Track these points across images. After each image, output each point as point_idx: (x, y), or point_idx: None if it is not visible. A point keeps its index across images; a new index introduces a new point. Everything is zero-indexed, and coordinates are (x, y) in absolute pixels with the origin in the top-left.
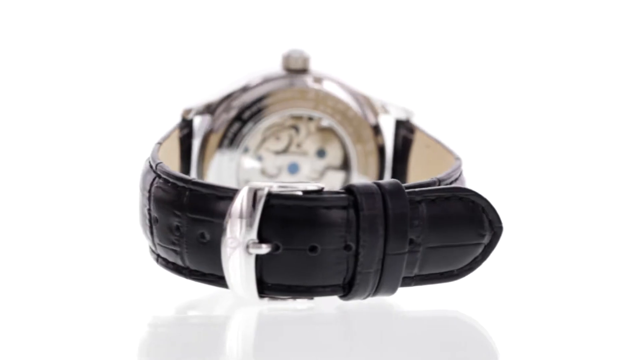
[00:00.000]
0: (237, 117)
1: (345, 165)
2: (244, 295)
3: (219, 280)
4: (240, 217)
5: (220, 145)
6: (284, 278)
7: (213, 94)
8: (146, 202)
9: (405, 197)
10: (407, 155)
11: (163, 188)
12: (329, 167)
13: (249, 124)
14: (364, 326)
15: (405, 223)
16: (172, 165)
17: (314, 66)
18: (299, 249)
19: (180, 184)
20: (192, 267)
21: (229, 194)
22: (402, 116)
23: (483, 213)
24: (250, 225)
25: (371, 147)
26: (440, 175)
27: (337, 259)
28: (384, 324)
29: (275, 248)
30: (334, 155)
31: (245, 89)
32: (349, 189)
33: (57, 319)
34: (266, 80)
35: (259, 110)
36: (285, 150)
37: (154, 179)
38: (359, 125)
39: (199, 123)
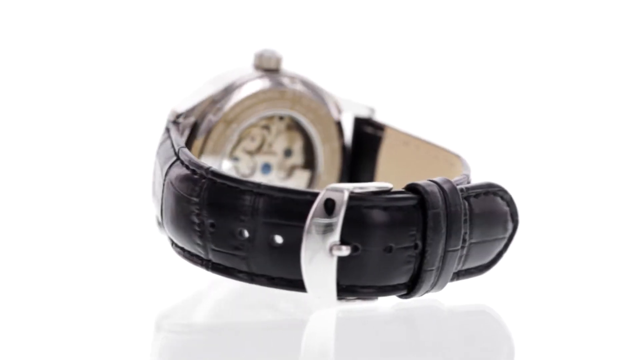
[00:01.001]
0: (223, 120)
1: (310, 164)
2: (323, 298)
3: (289, 283)
4: (324, 219)
5: (203, 150)
6: (359, 279)
7: (196, 96)
8: (193, 208)
9: (459, 195)
10: (376, 153)
11: (223, 193)
12: (295, 167)
13: (233, 126)
14: (423, 323)
15: (460, 220)
16: None
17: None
18: (376, 249)
19: (245, 188)
20: (258, 271)
21: (307, 197)
22: (364, 113)
23: (507, 207)
24: (333, 227)
25: (336, 145)
26: (466, 171)
27: (407, 258)
28: (435, 321)
29: (355, 249)
30: (299, 154)
31: (227, 90)
32: (414, 188)
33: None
34: (248, 80)
35: (242, 112)
36: (258, 150)
37: (204, 184)
38: (328, 124)
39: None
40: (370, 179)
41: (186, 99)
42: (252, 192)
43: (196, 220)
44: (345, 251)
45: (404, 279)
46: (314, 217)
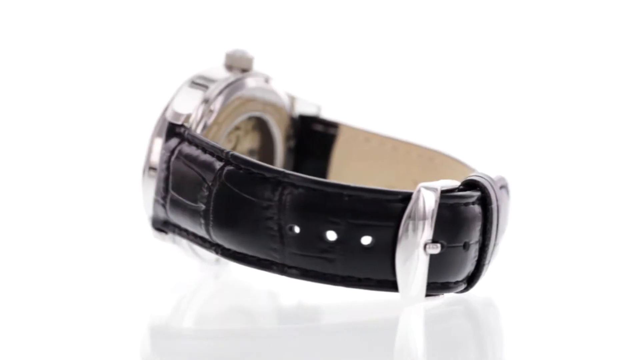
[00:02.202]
0: (215, 122)
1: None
2: (415, 296)
3: (377, 284)
4: (422, 218)
5: None
6: (439, 276)
7: (191, 98)
8: (269, 212)
9: (499, 189)
10: (329, 151)
11: (308, 196)
12: None
13: (223, 128)
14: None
15: (503, 214)
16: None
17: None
18: (458, 246)
19: (332, 190)
20: (344, 273)
21: (398, 197)
22: (311, 111)
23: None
24: (428, 226)
25: (292, 144)
26: (472, 166)
27: (475, 254)
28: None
29: (442, 247)
30: (259, 154)
31: (220, 92)
32: (474, 184)
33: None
34: (235, 81)
35: (230, 113)
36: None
37: (282, 188)
38: (288, 123)
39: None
40: (323, 177)
41: (183, 101)
42: (341, 194)
43: (272, 225)
44: (437, 249)
45: (466, 273)
46: (412, 215)
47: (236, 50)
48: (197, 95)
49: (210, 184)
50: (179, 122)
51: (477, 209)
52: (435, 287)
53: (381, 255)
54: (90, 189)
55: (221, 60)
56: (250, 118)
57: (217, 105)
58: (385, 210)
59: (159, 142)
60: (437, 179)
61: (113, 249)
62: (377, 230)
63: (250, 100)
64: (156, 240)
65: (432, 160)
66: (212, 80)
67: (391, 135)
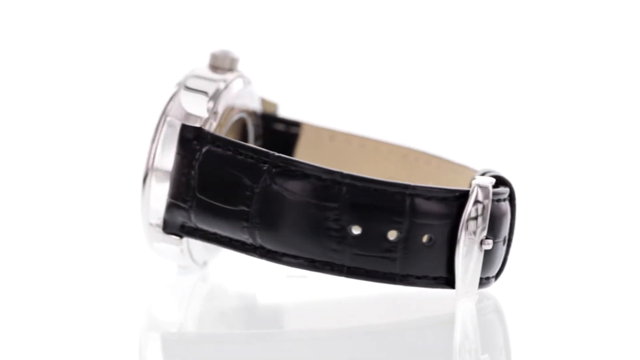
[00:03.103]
0: (218, 123)
1: None
2: (469, 292)
3: (434, 281)
4: (480, 215)
5: None
6: (484, 271)
7: (202, 100)
8: (330, 214)
9: None
10: (291, 150)
11: (370, 196)
12: None
13: (222, 129)
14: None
15: None
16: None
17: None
18: (499, 241)
19: (395, 190)
20: (404, 272)
21: (456, 194)
22: (270, 110)
23: None
24: (484, 223)
25: (260, 144)
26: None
27: (505, 249)
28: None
29: (492, 243)
30: None
31: (217, 93)
32: (502, 181)
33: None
34: (230, 82)
35: (228, 114)
36: None
37: (342, 189)
38: (258, 122)
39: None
40: None
41: (193, 105)
42: (403, 194)
43: (334, 226)
44: (490, 245)
45: (498, 268)
46: (469, 213)
47: (221, 50)
48: (202, 98)
49: (254, 186)
50: (197, 125)
51: (507, 205)
52: (480, 283)
53: (439, 252)
54: (78, 191)
55: (197, 61)
56: (238, 119)
57: (220, 107)
58: (445, 208)
59: (169, 146)
60: (417, 175)
61: (103, 251)
62: (437, 228)
63: (239, 101)
64: (156, 242)
65: (405, 157)
66: (208, 83)
67: (356, 133)
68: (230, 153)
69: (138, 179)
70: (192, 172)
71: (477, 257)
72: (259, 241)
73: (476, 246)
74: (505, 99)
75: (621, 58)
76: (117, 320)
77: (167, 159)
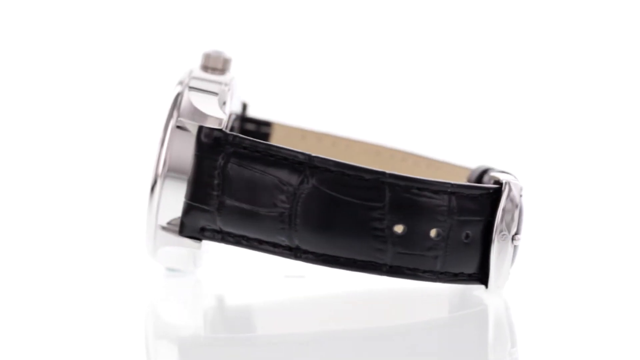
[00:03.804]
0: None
1: None
2: (501, 287)
3: (468, 277)
4: (514, 211)
5: None
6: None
7: (209, 103)
8: (375, 214)
9: None
10: None
11: (415, 196)
12: None
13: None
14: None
15: None
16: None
17: None
18: (517, 237)
19: (437, 188)
20: (442, 269)
21: (489, 191)
22: (238, 109)
23: None
24: (516, 219)
25: None
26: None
27: None
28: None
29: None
30: None
31: (225, 94)
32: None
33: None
34: (231, 84)
35: (229, 116)
36: None
37: (385, 189)
38: (238, 125)
39: None
40: None
41: (207, 106)
42: (445, 192)
43: (379, 225)
44: (519, 241)
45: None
46: (505, 209)
47: (215, 50)
48: (214, 99)
49: (293, 187)
50: (219, 127)
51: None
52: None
53: (475, 249)
54: (74, 194)
55: (176, 60)
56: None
57: (227, 109)
58: (481, 205)
59: (182, 148)
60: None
61: (94, 254)
62: (475, 225)
63: (233, 103)
64: (166, 246)
65: (379, 154)
66: (214, 85)
67: (328, 131)
68: (259, 154)
69: (133, 181)
70: (219, 175)
71: (510, 253)
72: (296, 242)
73: (509, 242)
74: (487, 96)
75: (620, 57)
76: (127, 329)
77: (182, 161)
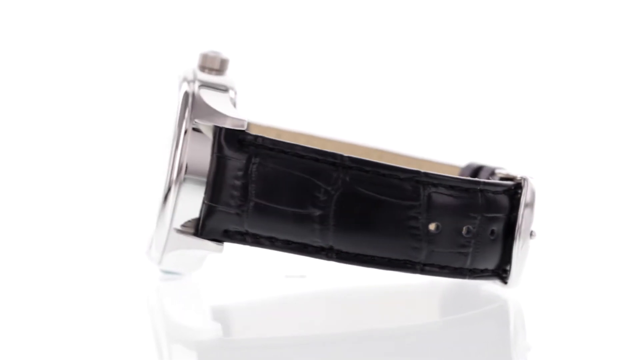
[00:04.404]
0: None
1: None
2: (519, 282)
3: (492, 273)
4: (533, 207)
5: None
6: None
7: (224, 103)
8: (412, 212)
9: None
10: None
11: (448, 194)
12: None
13: None
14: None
15: None
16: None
17: None
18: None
19: (469, 186)
20: (471, 266)
21: (513, 187)
22: None
23: None
24: (534, 215)
25: None
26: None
27: None
28: None
29: None
30: None
31: (235, 94)
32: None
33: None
34: (234, 84)
35: None
36: None
37: (424, 188)
38: None
39: None
40: None
41: (227, 105)
42: (476, 189)
43: (416, 224)
44: (536, 236)
45: None
46: (527, 205)
47: (212, 51)
48: (226, 99)
49: (328, 188)
50: (243, 129)
51: None
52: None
53: (498, 245)
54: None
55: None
56: None
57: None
58: (506, 201)
59: (200, 149)
60: None
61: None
62: (499, 222)
63: None
64: (180, 249)
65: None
66: (222, 84)
67: (303, 131)
68: (288, 155)
69: (126, 182)
70: (246, 176)
71: (529, 249)
72: (331, 243)
73: (529, 239)
74: (468, 92)
75: (618, 57)
76: (140, 336)
77: (198, 163)
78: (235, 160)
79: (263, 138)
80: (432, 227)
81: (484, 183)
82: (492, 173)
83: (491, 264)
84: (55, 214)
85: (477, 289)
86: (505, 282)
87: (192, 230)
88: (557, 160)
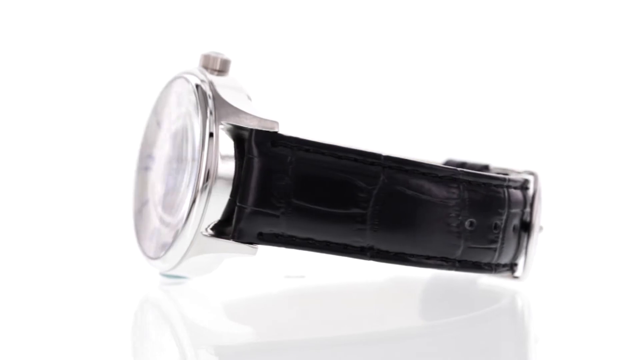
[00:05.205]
0: None
1: None
2: (529, 276)
3: (509, 268)
4: (541, 202)
5: None
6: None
7: (244, 102)
8: (452, 211)
9: None
10: None
11: (483, 190)
12: None
13: None
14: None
15: None
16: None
17: None
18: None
19: (497, 182)
20: (496, 261)
21: (523, 183)
22: None
23: None
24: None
25: None
26: None
27: None
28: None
29: None
30: None
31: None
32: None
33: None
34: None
35: None
36: None
37: (461, 186)
38: None
39: None
40: None
41: (251, 107)
42: (503, 185)
43: (453, 222)
44: (542, 231)
45: None
46: (541, 199)
47: (214, 52)
48: (244, 98)
49: (370, 188)
50: (276, 130)
51: None
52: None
53: (516, 240)
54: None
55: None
56: None
57: None
58: (521, 197)
59: (227, 152)
60: None
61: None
62: (517, 217)
63: None
64: (208, 253)
65: None
66: (236, 85)
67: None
68: (324, 155)
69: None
70: (284, 178)
71: (538, 242)
72: (371, 242)
73: (539, 232)
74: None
75: (617, 57)
76: (160, 342)
77: (227, 165)
78: (269, 162)
79: (297, 139)
80: (467, 223)
81: (509, 179)
82: (486, 168)
83: (509, 259)
84: (55, 214)
85: (474, 283)
86: (515, 276)
87: (217, 233)
88: (536, 154)
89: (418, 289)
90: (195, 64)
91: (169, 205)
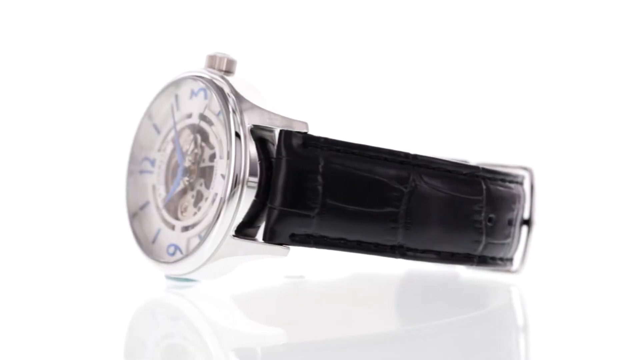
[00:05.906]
0: None
1: None
2: (523, 270)
3: (509, 262)
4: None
5: None
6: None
7: (264, 102)
8: (476, 207)
9: None
10: None
11: (500, 186)
12: None
13: None
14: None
15: None
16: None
17: None
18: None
19: (509, 179)
20: (505, 256)
21: (522, 179)
22: None
23: None
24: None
25: None
26: None
27: None
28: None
29: None
30: None
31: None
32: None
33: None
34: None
35: None
36: None
37: (482, 182)
38: None
39: None
40: None
41: (290, 113)
42: (516, 181)
43: (478, 218)
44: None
45: None
46: (534, 196)
47: (220, 52)
48: (261, 95)
49: (402, 186)
50: (306, 131)
51: None
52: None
53: (519, 234)
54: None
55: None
56: None
57: None
58: (521, 192)
59: (254, 153)
60: None
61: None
62: (521, 211)
63: None
64: (235, 256)
65: None
66: (253, 86)
67: None
68: (355, 155)
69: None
70: (317, 178)
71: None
72: (401, 241)
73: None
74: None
75: (616, 57)
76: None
77: (254, 167)
78: (300, 163)
79: (327, 139)
80: (488, 219)
81: (520, 176)
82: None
83: (512, 253)
84: (55, 214)
85: (456, 277)
86: (511, 270)
87: (242, 236)
88: (523, 150)
89: (414, 287)
90: (194, 65)
91: (176, 208)
